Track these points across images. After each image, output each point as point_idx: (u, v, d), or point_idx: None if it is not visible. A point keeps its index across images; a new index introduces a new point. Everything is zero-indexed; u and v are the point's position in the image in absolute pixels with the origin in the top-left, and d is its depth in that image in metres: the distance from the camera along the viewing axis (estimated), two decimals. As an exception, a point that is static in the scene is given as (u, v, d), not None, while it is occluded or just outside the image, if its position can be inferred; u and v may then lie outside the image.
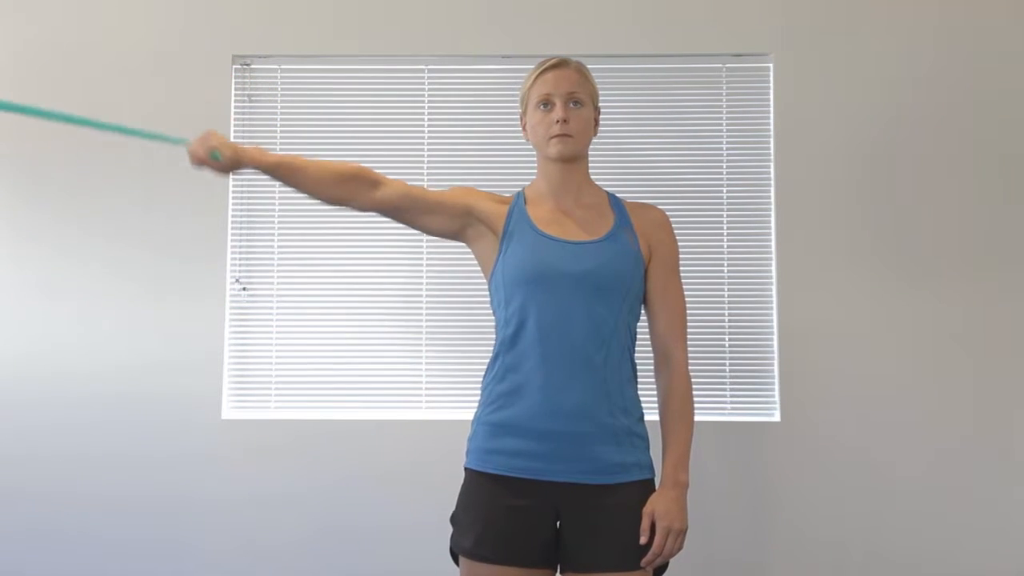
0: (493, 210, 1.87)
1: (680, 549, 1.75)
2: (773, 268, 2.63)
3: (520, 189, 1.94)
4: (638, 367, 1.88)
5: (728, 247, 2.66)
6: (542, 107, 1.84)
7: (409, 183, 1.91)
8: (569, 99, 1.83)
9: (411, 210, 1.89)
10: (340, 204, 1.86)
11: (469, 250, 1.95)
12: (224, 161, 1.73)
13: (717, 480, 2.54)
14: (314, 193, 1.83)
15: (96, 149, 2.65)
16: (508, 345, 1.80)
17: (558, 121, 1.81)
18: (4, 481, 2.60)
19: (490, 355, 1.88)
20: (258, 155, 1.77)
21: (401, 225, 2.61)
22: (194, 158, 1.74)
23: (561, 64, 1.86)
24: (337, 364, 2.66)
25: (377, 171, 1.88)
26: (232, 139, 2.67)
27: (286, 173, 1.80)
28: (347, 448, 2.59)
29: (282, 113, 2.72)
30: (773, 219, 2.63)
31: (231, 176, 2.67)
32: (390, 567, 2.55)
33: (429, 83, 2.72)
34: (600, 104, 1.93)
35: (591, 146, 1.92)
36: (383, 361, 2.66)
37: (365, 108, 2.72)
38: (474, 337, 2.59)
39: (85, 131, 2.64)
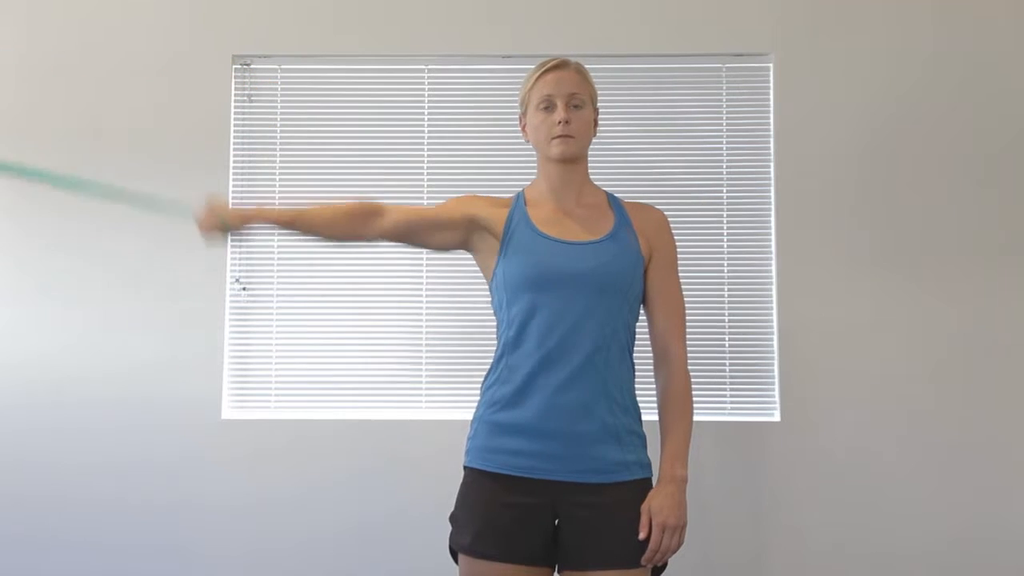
0: (494, 214, 1.88)
1: (680, 545, 1.74)
2: (773, 268, 2.63)
3: (520, 190, 1.94)
4: (636, 366, 1.88)
5: (728, 247, 2.66)
6: (543, 108, 1.85)
7: (410, 205, 1.95)
8: (570, 100, 1.84)
9: (417, 232, 1.91)
10: (351, 240, 1.91)
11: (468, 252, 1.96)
12: (233, 226, 1.83)
13: (717, 480, 2.54)
14: (327, 235, 1.88)
15: (96, 150, 2.65)
16: (511, 347, 1.80)
17: (560, 122, 1.82)
18: (3, 483, 2.59)
19: (489, 355, 1.88)
20: (264, 213, 1.87)
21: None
22: (205, 230, 1.82)
23: (562, 65, 1.87)
24: (337, 364, 2.66)
25: (380, 201, 1.92)
26: (232, 140, 2.70)
27: (298, 224, 1.87)
28: (347, 448, 2.59)
29: (282, 113, 2.72)
30: (773, 219, 2.64)
31: (231, 176, 2.70)
32: (389, 566, 2.55)
33: (429, 83, 2.72)
34: (600, 104, 1.93)
35: (591, 146, 1.92)
36: (383, 361, 2.66)
37: (365, 108, 2.72)
38: (474, 337, 2.59)
39: (85, 132, 2.69)
